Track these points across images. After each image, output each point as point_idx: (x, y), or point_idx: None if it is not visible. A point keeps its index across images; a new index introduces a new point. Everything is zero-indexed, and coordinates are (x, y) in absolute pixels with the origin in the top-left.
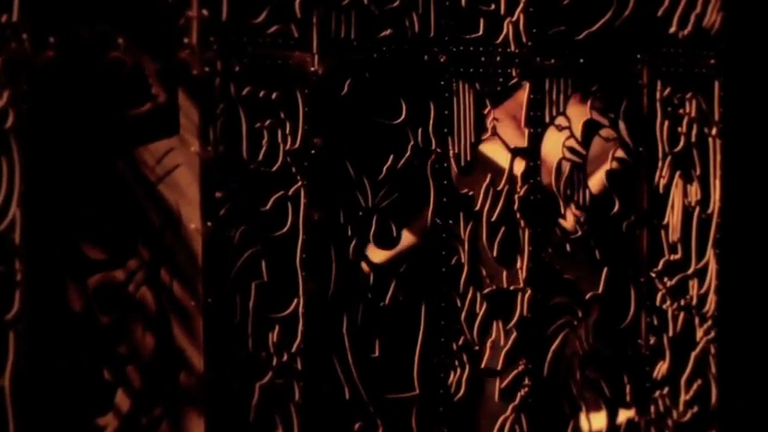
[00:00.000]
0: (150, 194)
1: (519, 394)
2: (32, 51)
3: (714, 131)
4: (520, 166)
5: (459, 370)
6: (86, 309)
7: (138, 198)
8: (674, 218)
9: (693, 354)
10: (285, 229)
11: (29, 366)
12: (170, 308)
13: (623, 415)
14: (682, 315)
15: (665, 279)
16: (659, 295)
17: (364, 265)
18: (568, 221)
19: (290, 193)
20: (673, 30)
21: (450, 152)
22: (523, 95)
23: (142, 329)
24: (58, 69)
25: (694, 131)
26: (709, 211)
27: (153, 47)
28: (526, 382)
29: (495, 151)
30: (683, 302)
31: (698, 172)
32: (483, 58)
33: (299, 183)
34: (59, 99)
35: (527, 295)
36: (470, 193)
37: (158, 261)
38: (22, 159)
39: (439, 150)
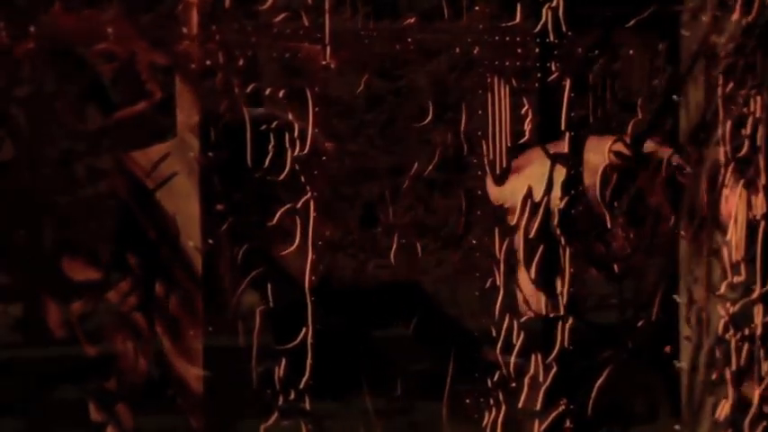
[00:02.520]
0: (144, 207)
1: None
2: (10, 41)
3: None
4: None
5: (494, 410)
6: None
7: (130, 211)
8: (736, 233)
9: (757, 392)
10: (293, 247)
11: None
12: (167, 335)
13: None
14: (745, 346)
15: (728, 304)
16: (721, 323)
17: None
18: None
19: (299, 205)
20: (735, 17)
21: (485, 158)
22: None
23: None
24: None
25: (759, 134)
26: None
27: (147, 37)
28: (568, 424)
29: None
30: (746, 332)
31: (763, 181)
32: (520, 50)
33: (309, 194)
34: (41, 95)
35: (568, 324)
36: (506, 205)
37: (153, 282)
38: None
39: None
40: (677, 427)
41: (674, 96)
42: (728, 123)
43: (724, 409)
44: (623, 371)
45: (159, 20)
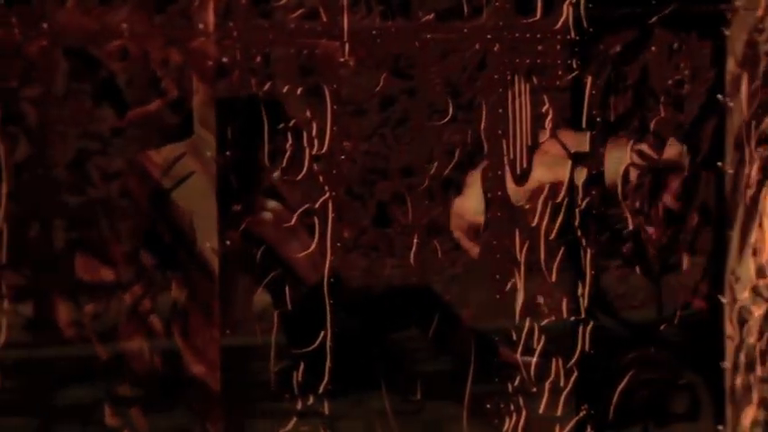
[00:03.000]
0: (160, 207)
1: None
2: (23, 39)
3: None
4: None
5: (514, 416)
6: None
7: (146, 212)
8: (763, 235)
9: None
10: (311, 249)
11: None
12: (182, 337)
13: None
14: None
15: (753, 308)
16: (746, 327)
17: None
18: None
19: (317, 205)
20: (760, 13)
21: (505, 158)
22: None
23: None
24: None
25: None
26: None
27: (162, 34)
28: (588, 430)
29: None
30: None
31: None
32: (540, 47)
33: (327, 194)
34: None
35: (589, 327)
36: (527, 206)
37: (168, 284)
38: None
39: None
40: (720, 427)
41: (719, 96)
42: (753, 121)
43: (749, 414)
44: (660, 369)
45: (174, 17)
